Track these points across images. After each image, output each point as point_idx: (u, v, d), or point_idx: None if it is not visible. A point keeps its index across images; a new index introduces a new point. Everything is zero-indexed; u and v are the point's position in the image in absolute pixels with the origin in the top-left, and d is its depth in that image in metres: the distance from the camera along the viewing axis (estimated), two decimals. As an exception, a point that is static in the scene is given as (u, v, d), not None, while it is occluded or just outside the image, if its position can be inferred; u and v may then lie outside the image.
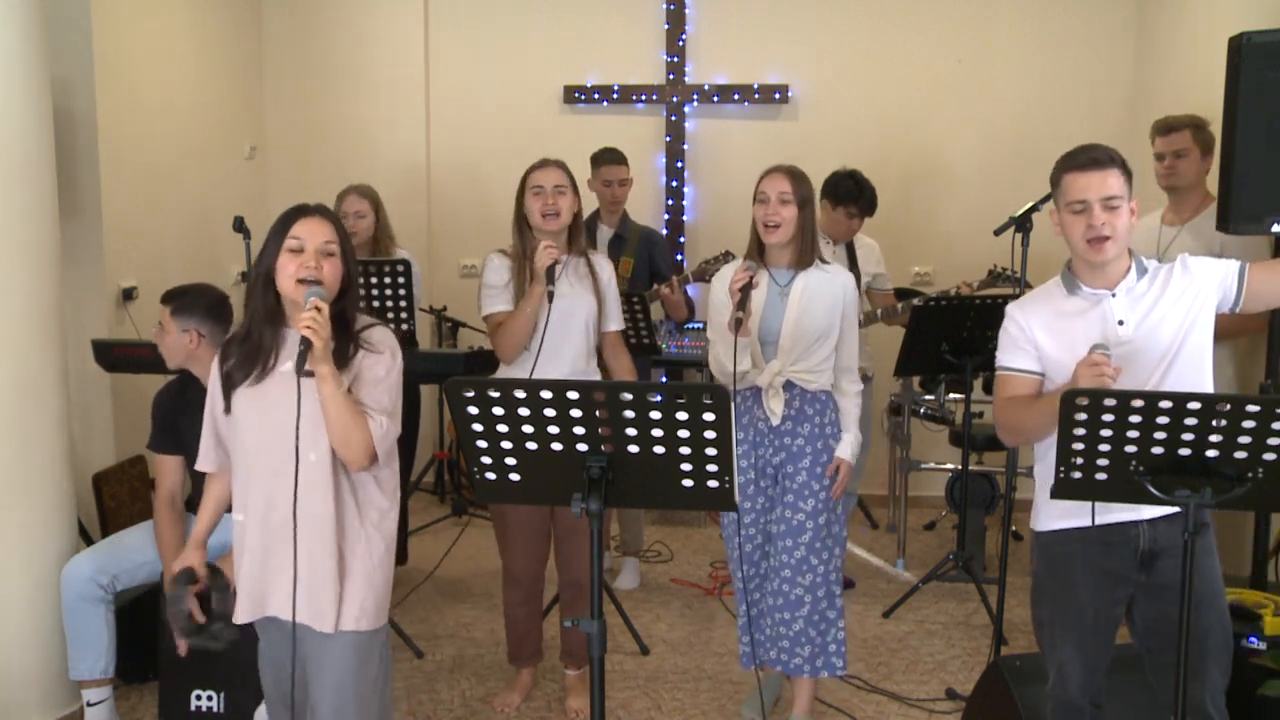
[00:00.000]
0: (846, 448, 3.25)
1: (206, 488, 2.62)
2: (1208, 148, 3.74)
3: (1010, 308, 2.57)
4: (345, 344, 2.38)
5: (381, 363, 2.41)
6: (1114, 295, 2.42)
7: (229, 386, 2.42)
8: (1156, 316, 2.39)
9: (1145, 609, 2.47)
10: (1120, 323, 2.40)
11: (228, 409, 2.44)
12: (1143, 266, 2.44)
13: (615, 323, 3.45)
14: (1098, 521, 2.39)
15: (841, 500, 3.30)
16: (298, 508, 2.35)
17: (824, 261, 3.24)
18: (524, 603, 3.51)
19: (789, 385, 3.19)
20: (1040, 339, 2.48)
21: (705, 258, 4.49)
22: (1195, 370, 2.39)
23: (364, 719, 2.45)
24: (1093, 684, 2.51)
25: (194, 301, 3.20)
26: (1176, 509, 2.26)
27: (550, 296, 3.14)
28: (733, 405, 2.98)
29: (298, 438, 2.31)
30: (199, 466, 2.58)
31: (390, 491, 2.49)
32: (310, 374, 2.26)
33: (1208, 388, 2.40)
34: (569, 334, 3.29)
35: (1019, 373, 2.52)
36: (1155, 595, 2.43)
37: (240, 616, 2.46)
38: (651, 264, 4.61)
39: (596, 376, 3.38)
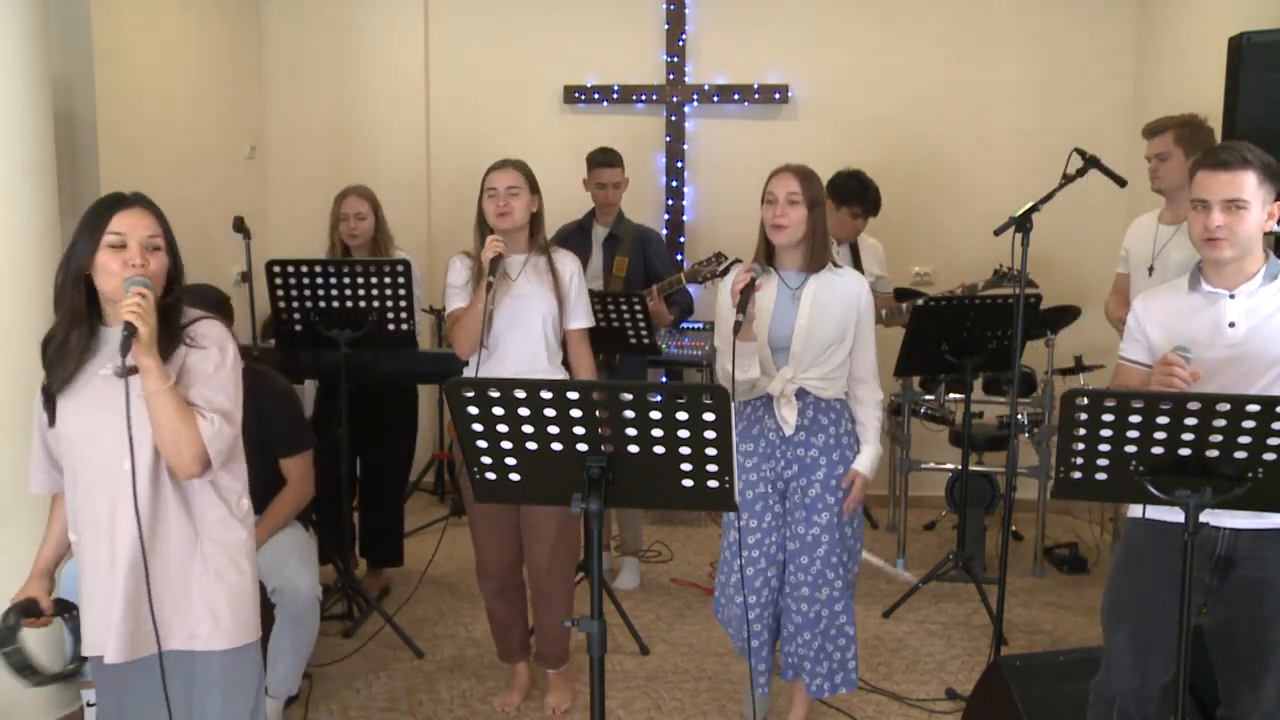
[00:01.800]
0: (865, 461, 3.11)
1: (51, 511, 2.41)
2: (1195, 148, 3.72)
3: (1135, 299, 2.57)
4: (169, 341, 2.14)
5: (208, 358, 2.19)
6: (1232, 297, 2.39)
7: (48, 396, 2.21)
8: (1275, 324, 2.35)
9: (1214, 613, 2.43)
10: (1232, 325, 2.37)
11: (52, 421, 2.21)
12: (1274, 272, 2.39)
13: (578, 320, 3.41)
14: (1175, 519, 2.32)
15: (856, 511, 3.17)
16: (121, 521, 2.14)
17: (837, 265, 3.12)
18: (496, 594, 3.51)
19: (802, 393, 3.05)
20: (1151, 332, 2.47)
21: (699, 260, 4.48)
22: None
23: None
24: (1142, 690, 2.45)
25: (198, 301, 3.20)
26: (1268, 524, 2.26)
27: (489, 287, 3.16)
28: (733, 410, 2.95)
29: (131, 439, 2.07)
30: (31, 489, 2.35)
31: (235, 498, 2.28)
32: (134, 370, 2.05)
33: None
34: (523, 331, 3.29)
35: (1130, 363, 2.53)
36: (1225, 600, 2.40)
37: (92, 650, 2.22)
38: (647, 263, 4.58)
39: (560, 376, 3.36)
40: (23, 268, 3.18)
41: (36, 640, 2.42)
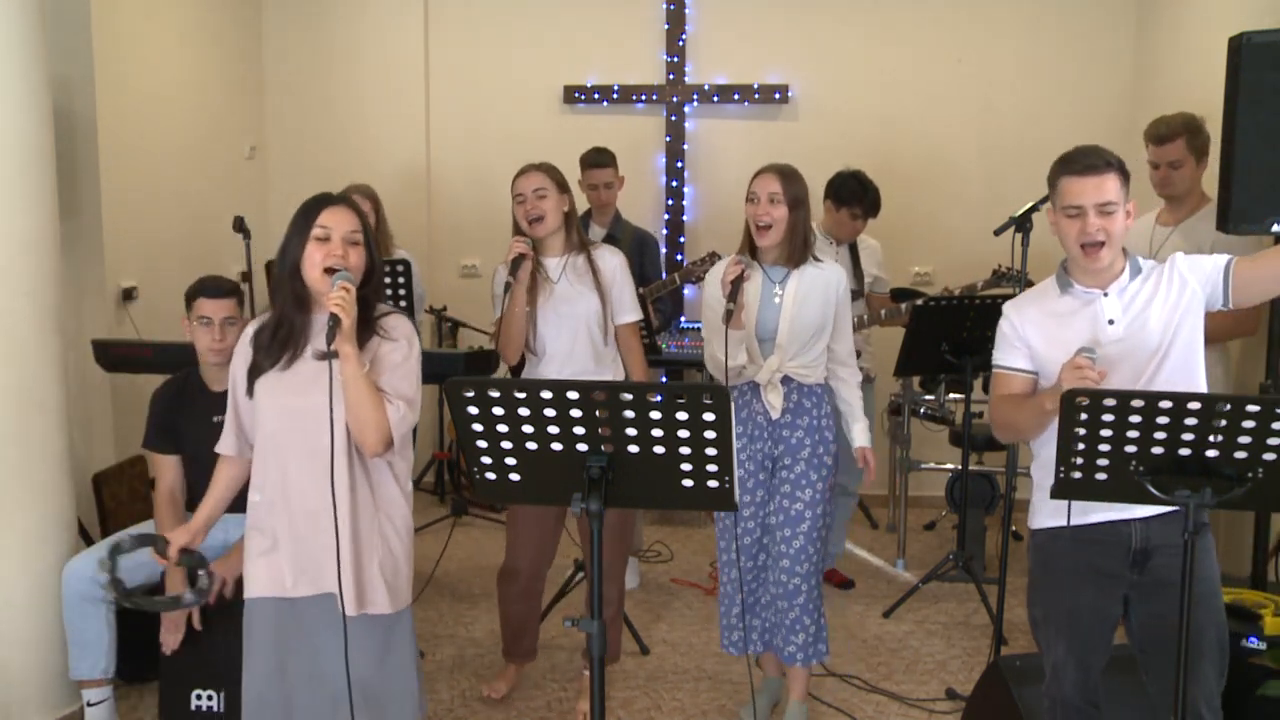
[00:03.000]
0: (863, 435, 3.31)
1: (216, 474, 2.61)
2: (1202, 153, 3.70)
3: (1006, 306, 2.60)
4: (364, 330, 2.40)
5: (398, 349, 2.45)
6: (1105, 295, 2.44)
7: (255, 373, 2.44)
8: (1150, 315, 2.40)
9: (1139, 608, 2.46)
10: (1110, 322, 2.42)
11: (250, 393, 2.45)
12: (1137, 267, 2.45)
13: (624, 314, 3.38)
14: (1087, 520, 2.39)
15: (834, 494, 3.33)
16: (316, 490, 2.38)
17: (816, 258, 3.25)
18: (519, 599, 3.50)
19: (786, 380, 3.21)
20: (1032, 338, 2.50)
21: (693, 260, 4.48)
22: (1186, 367, 2.40)
23: (381, 702, 2.50)
24: (1088, 683, 2.51)
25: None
26: (1170, 508, 2.26)
27: (507, 287, 3.18)
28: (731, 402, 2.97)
29: (332, 420, 2.32)
30: (219, 448, 2.56)
31: (404, 479, 2.56)
32: (334, 354, 2.28)
33: (1199, 385, 2.41)
34: (569, 333, 3.29)
35: (1012, 371, 2.55)
36: (1149, 594, 2.43)
37: (270, 590, 2.47)
38: (640, 268, 4.58)
39: (614, 376, 3.36)
40: (21, 267, 3.17)
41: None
